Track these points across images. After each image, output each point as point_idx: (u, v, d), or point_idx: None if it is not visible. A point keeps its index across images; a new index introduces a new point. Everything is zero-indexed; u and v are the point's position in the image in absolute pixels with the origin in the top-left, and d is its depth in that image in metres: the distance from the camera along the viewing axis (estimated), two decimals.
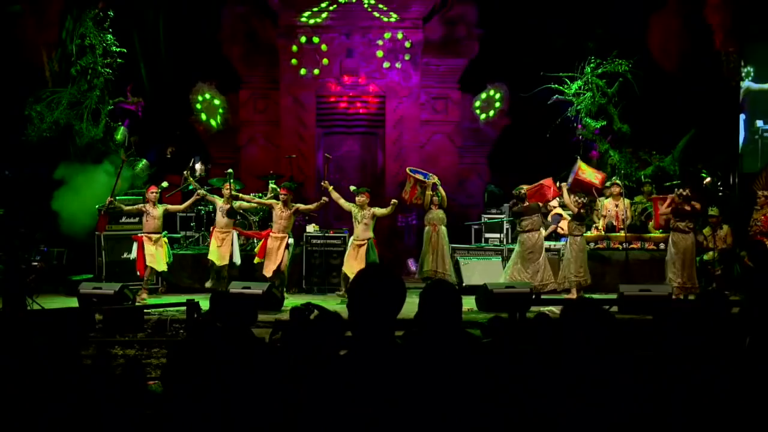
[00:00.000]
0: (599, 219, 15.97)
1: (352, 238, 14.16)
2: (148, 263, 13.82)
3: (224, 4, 19.31)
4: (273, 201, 14.21)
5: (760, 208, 14.67)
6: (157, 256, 13.83)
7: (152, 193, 14.01)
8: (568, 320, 3.87)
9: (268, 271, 13.78)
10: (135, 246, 13.96)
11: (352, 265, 13.85)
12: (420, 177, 15.04)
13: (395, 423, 3.19)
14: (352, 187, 14.93)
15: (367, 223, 13.96)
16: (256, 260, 14.04)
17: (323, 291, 14.95)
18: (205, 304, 10.07)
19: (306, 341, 4.61)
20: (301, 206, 14.16)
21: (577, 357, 3.75)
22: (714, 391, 3.90)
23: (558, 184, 16.11)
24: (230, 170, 14.89)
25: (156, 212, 13.93)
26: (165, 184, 14.76)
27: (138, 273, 13.98)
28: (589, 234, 15.73)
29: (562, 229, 15.83)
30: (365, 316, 3.39)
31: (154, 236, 13.86)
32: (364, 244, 13.93)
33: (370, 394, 3.25)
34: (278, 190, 14.38)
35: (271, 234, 13.88)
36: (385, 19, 19.05)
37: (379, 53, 19.11)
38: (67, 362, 4.51)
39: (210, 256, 14.01)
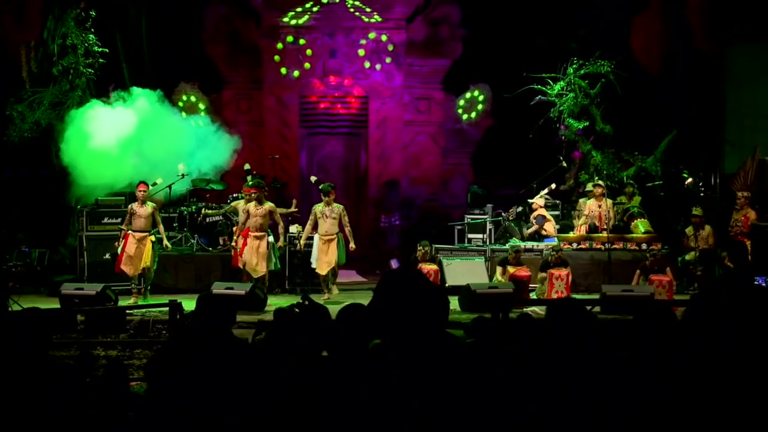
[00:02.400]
0: (578, 220, 16.04)
1: (317, 235, 14.01)
2: (122, 265, 13.68)
3: (207, 4, 19.27)
4: (243, 204, 14.16)
5: (740, 208, 14.74)
6: (135, 257, 13.74)
7: (140, 191, 13.91)
8: (554, 319, 3.88)
9: (260, 271, 13.77)
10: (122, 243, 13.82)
11: (324, 261, 13.88)
12: None
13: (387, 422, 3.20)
14: (313, 178, 15.02)
15: (335, 218, 13.94)
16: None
17: (306, 292, 14.90)
18: (187, 305, 10.07)
19: (291, 341, 4.61)
20: (275, 209, 14.11)
21: (562, 356, 3.76)
22: (695, 390, 3.92)
23: (542, 193, 16.27)
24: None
25: (143, 211, 13.82)
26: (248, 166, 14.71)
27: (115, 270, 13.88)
28: (570, 234, 15.80)
29: (545, 231, 15.88)
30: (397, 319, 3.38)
31: (138, 235, 13.79)
32: (333, 239, 13.93)
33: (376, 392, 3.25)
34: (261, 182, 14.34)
35: (250, 233, 13.76)
36: (368, 20, 19.06)
37: (362, 52, 19.13)
38: (46, 363, 4.48)
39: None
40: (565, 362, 3.75)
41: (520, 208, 16.74)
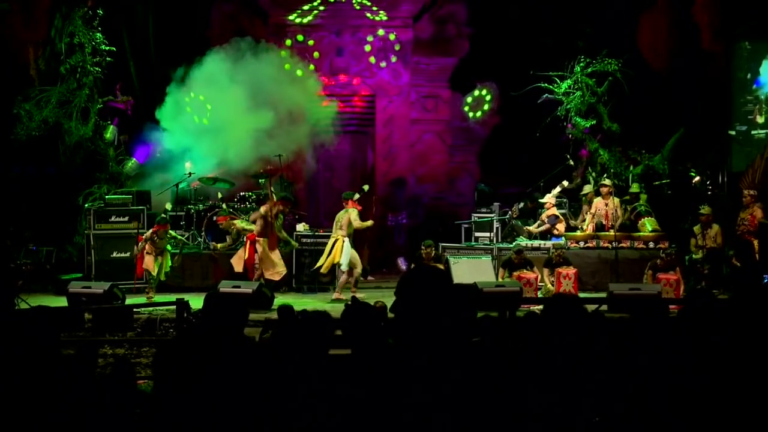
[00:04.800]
0: (585, 220, 16.00)
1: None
2: (144, 265, 13.90)
3: (213, 3, 19.25)
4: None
5: (747, 206, 14.69)
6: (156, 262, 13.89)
7: None
8: (551, 316, 3.89)
9: (277, 275, 13.96)
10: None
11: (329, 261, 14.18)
12: None
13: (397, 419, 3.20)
14: (366, 186, 15.15)
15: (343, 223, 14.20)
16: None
17: (313, 290, 14.92)
18: (194, 303, 10.09)
19: (295, 340, 4.62)
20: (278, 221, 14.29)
21: (561, 352, 3.76)
22: (698, 386, 3.92)
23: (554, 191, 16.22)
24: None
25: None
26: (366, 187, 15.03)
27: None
28: (578, 233, 15.78)
29: (557, 230, 15.86)
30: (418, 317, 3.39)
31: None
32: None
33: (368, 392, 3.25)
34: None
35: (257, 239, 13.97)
36: (375, 18, 19.06)
37: (371, 57, 19.13)
38: (55, 361, 4.49)
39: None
40: (567, 359, 3.75)
41: (521, 204, 16.75)
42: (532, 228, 16.04)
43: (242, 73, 16.33)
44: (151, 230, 13.99)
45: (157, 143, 17.16)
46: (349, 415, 3.31)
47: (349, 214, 14.14)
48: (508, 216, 16.75)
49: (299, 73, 18.21)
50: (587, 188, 16.43)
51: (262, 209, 14.14)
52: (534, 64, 17.39)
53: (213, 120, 16.47)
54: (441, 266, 14.04)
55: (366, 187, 15.06)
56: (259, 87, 16.28)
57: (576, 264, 14.36)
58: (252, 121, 15.96)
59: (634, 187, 16.48)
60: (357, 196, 14.53)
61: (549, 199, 16.26)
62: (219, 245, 14.90)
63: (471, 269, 14.82)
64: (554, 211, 16.11)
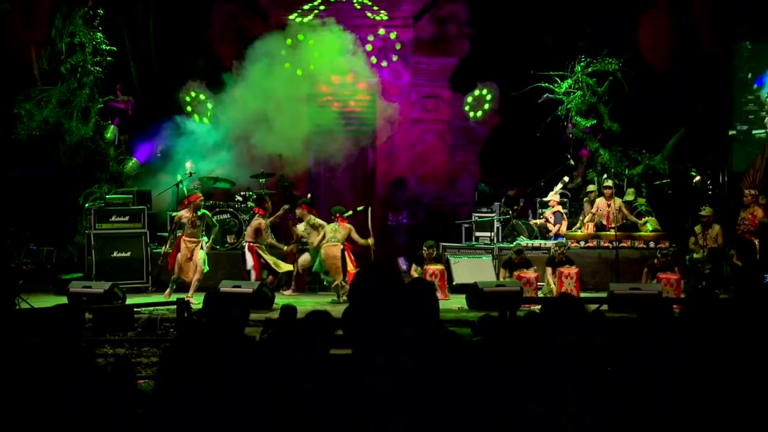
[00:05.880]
0: (585, 218, 16.00)
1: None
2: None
3: (214, 3, 19.24)
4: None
5: (747, 206, 14.69)
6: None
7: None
8: (551, 315, 3.89)
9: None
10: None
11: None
12: None
13: (391, 421, 3.20)
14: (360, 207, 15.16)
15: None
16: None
17: (314, 290, 14.92)
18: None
19: (296, 339, 4.62)
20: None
21: (561, 352, 3.76)
22: (699, 386, 3.92)
23: (556, 188, 16.22)
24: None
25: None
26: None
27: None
28: (578, 233, 15.78)
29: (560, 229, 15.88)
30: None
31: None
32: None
33: (366, 394, 3.25)
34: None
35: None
36: (376, 18, 19.05)
37: (370, 47, 19.10)
38: (56, 361, 4.49)
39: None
40: (567, 358, 3.75)
41: (503, 199, 16.89)
42: (534, 223, 16.10)
43: (302, 59, 16.72)
44: (258, 218, 14.21)
45: (159, 142, 17.22)
46: (349, 415, 3.31)
47: (350, 230, 14.20)
48: (510, 214, 16.79)
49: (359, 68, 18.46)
50: (591, 188, 16.42)
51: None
52: (534, 63, 17.40)
53: (270, 112, 16.85)
54: (440, 266, 14.06)
55: (360, 208, 15.02)
56: (320, 79, 16.55)
57: (576, 264, 14.36)
58: (313, 116, 16.21)
59: (629, 193, 16.47)
60: (350, 213, 14.58)
61: (553, 197, 16.28)
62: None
63: (471, 269, 14.85)
64: (559, 208, 16.14)
